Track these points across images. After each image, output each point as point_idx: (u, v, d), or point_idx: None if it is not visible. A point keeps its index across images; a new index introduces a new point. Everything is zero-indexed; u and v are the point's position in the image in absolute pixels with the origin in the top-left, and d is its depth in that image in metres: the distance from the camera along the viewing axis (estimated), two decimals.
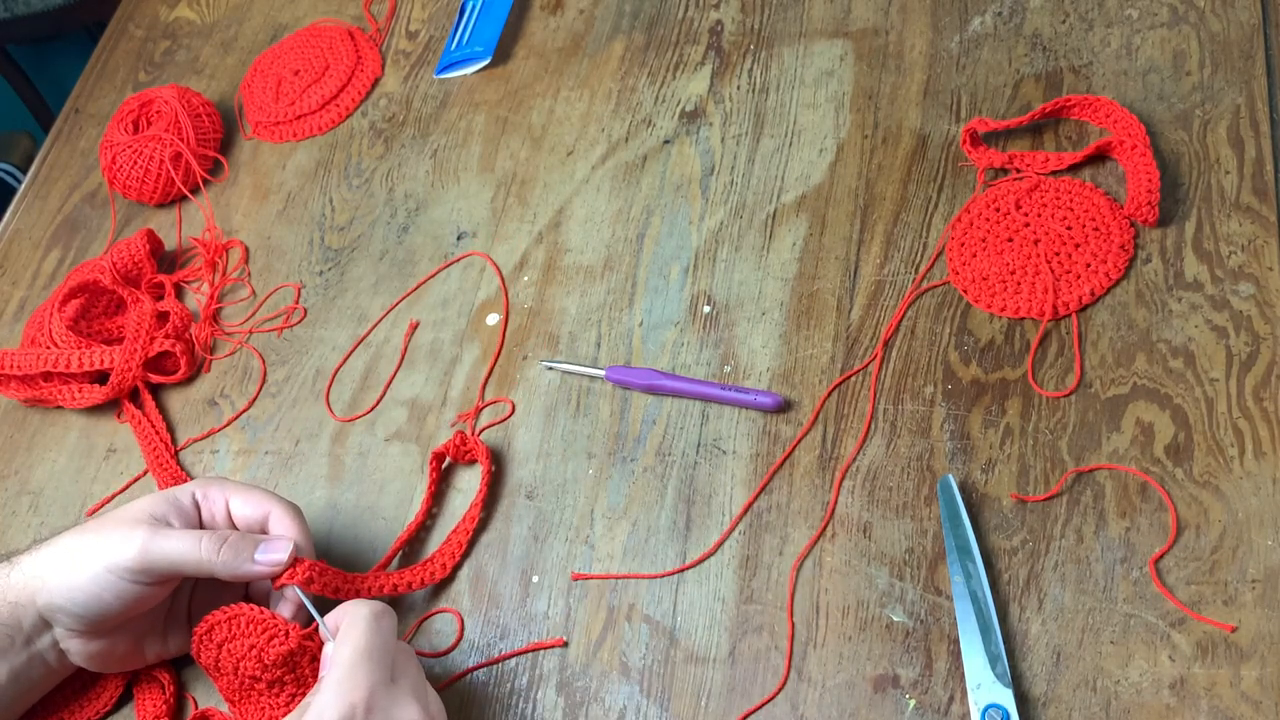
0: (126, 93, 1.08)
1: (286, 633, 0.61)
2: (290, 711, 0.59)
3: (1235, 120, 0.71)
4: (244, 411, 0.82)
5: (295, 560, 0.63)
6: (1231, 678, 0.55)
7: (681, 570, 0.66)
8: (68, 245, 0.98)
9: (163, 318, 0.86)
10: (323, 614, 0.61)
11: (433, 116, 0.94)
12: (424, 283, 0.84)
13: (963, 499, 0.62)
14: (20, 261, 0.98)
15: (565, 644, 0.66)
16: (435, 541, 0.72)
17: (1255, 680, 0.55)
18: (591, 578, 0.68)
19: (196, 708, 0.69)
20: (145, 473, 0.81)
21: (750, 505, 0.67)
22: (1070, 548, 0.60)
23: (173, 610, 0.69)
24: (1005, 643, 0.58)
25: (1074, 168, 0.73)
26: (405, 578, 0.68)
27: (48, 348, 0.84)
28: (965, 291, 0.71)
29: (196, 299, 0.90)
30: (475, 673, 0.67)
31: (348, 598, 0.64)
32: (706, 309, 0.76)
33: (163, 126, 0.94)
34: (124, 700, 0.70)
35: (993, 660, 0.57)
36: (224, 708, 0.67)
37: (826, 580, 0.63)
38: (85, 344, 0.84)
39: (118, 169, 0.94)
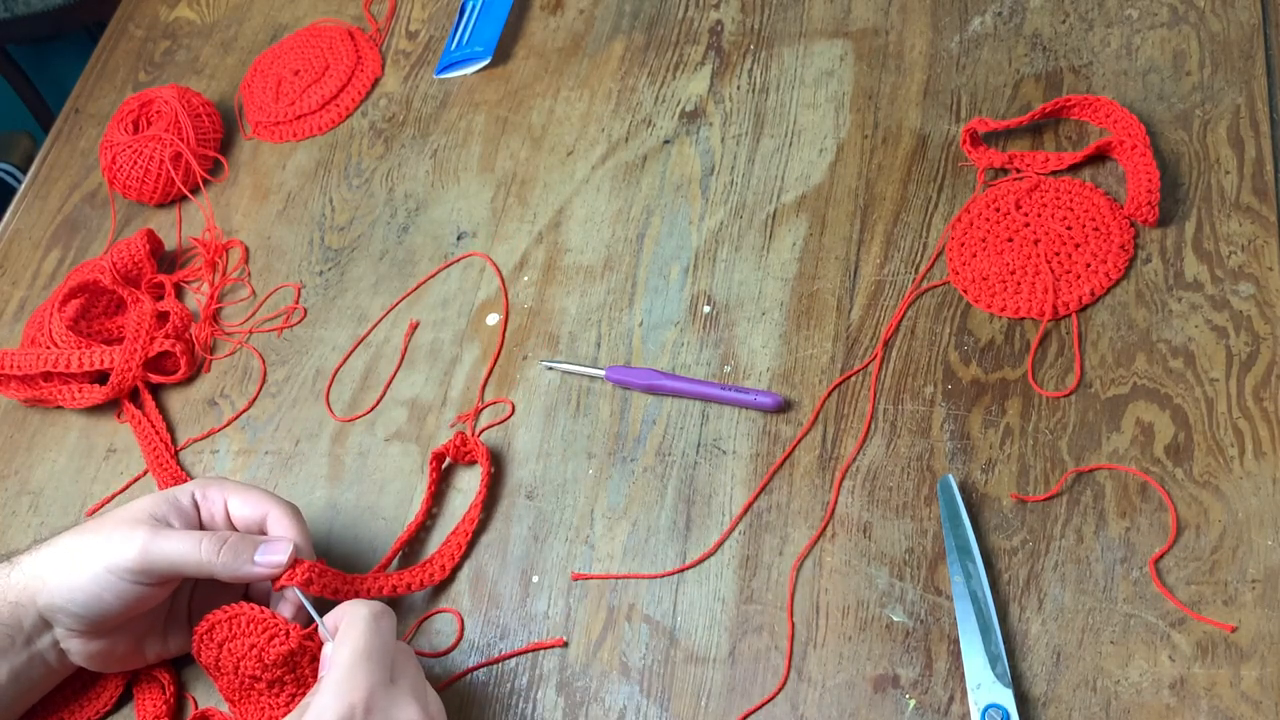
0: (126, 93, 1.08)
1: (287, 633, 0.61)
2: (290, 711, 0.59)
3: (1235, 120, 0.71)
4: (244, 411, 0.82)
5: (295, 561, 0.63)
6: (1231, 678, 0.55)
7: (681, 570, 0.66)
8: (68, 245, 0.98)
9: (163, 318, 0.86)
10: (323, 614, 0.61)
11: (433, 116, 0.94)
12: (424, 283, 0.84)
13: (963, 499, 0.62)
14: (20, 261, 0.98)
15: (565, 644, 0.66)
16: (435, 542, 0.72)
17: (1255, 680, 0.55)
18: (591, 578, 0.68)
19: (196, 708, 0.69)
20: (145, 473, 0.81)
21: (750, 505, 0.67)
22: (1070, 548, 0.60)
23: (173, 610, 0.69)
24: (1005, 643, 0.58)
25: (1074, 168, 0.73)
26: (405, 579, 0.68)
27: (48, 348, 0.84)
28: (965, 291, 0.71)
29: (196, 299, 0.90)
30: (475, 673, 0.67)
31: (347, 599, 0.64)
32: (706, 309, 0.76)
33: (163, 126, 0.94)
34: (124, 700, 0.70)
35: (993, 660, 0.57)
36: (224, 708, 0.67)
37: (826, 580, 0.63)
38: (85, 344, 0.84)
39: (118, 169, 0.94)
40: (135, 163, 0.94)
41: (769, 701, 0.61)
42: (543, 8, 0.98)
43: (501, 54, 0.96)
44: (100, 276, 0.87)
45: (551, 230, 0.84)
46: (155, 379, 0.85)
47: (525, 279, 0.82)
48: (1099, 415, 0.64)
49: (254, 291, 0.89)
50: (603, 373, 0.74)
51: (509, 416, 0.76)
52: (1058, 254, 0.70)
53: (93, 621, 0.63)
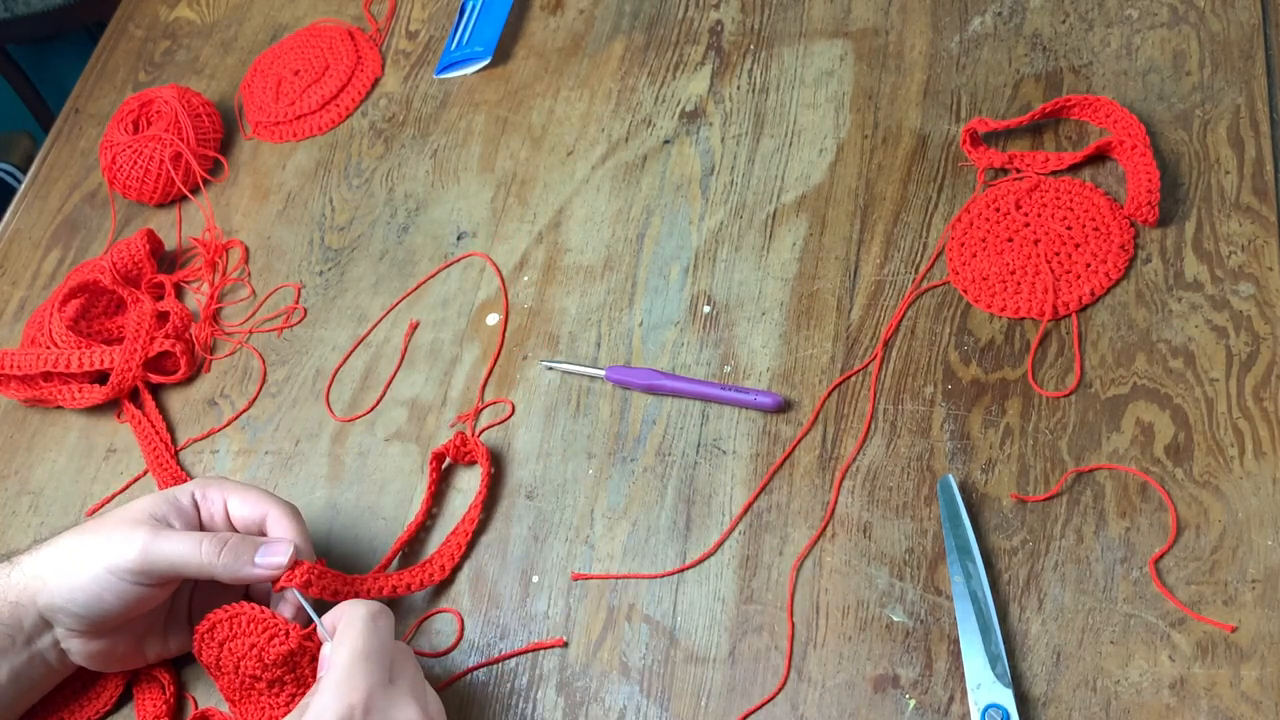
0: (126, 93, 1.08)
1: (287, 633, 0.61)
2: (290, 711, 0.59)
3: (1235, 120, 0.71)
4: (244, 411, 0.82)
5: (294, 563, 0.63)
6: (1231, 678, 0.55)
7: (681, 570, 0.66)
8: (68, 245, 0.98)
9: (163, 318, 0.86)
10: (322, 614, 0.61)
11: (433, 116, 0.94)
12: (424, 283, 0.84)
13: (963, 499, 0.62)
14: (20, 261, 0.98)
15: (565, 644, 0.66)
16: (435, 542, 0.72)
17: (1255, 680, 0.55)
18: (591, 578, 0.68)
19: (196, 707, 0.69)
20: (145, 473, 0.81)
21: (750, 505, 0.67)
22: (1070, 548, 0.60)
23: (173, 610, 0.69)
24: (1005, 643, 0.58)
25: (1074, 168, 0.73)
26: (404, 579, 0.68)
27: (48, 348, 0.84)
28: (965, 291, 0.71)
29: (196, 299, 0.90)
30: (475, 673, 0.67)
31: (347, 599, 0.64)
32: (706, 309, 0.76)
33: (163, 126, 0.94)
34: (124, 700, 0.70)
35: (993, 660, 0.57)
36: (224, 707, 0.67)
37: (826, 580, 0.63)
38: (85, 344, 0.84)
39: (118, 169, 0.94)
40: (135, 163, 0.94)
41: (769, 701, 0.61)
42: (543, 8, 0.98)
43: (501, 54, 0.96)
44: (100, 276, 0.87)
45: (551, 230, 0.84)
46: (155, 379, 0.85)
47: (525, 279, 0.82)
48: (1099, 415, 0.64)
49: (254, 291, 0.89)
50: (603, 373, 0.74)
51: (509, 417, 0.76)
52: (1058, 254, 0.70)
53: (93, 621, 0.63)
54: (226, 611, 0.62)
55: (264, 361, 0.84)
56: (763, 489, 0.67)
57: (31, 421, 0.87)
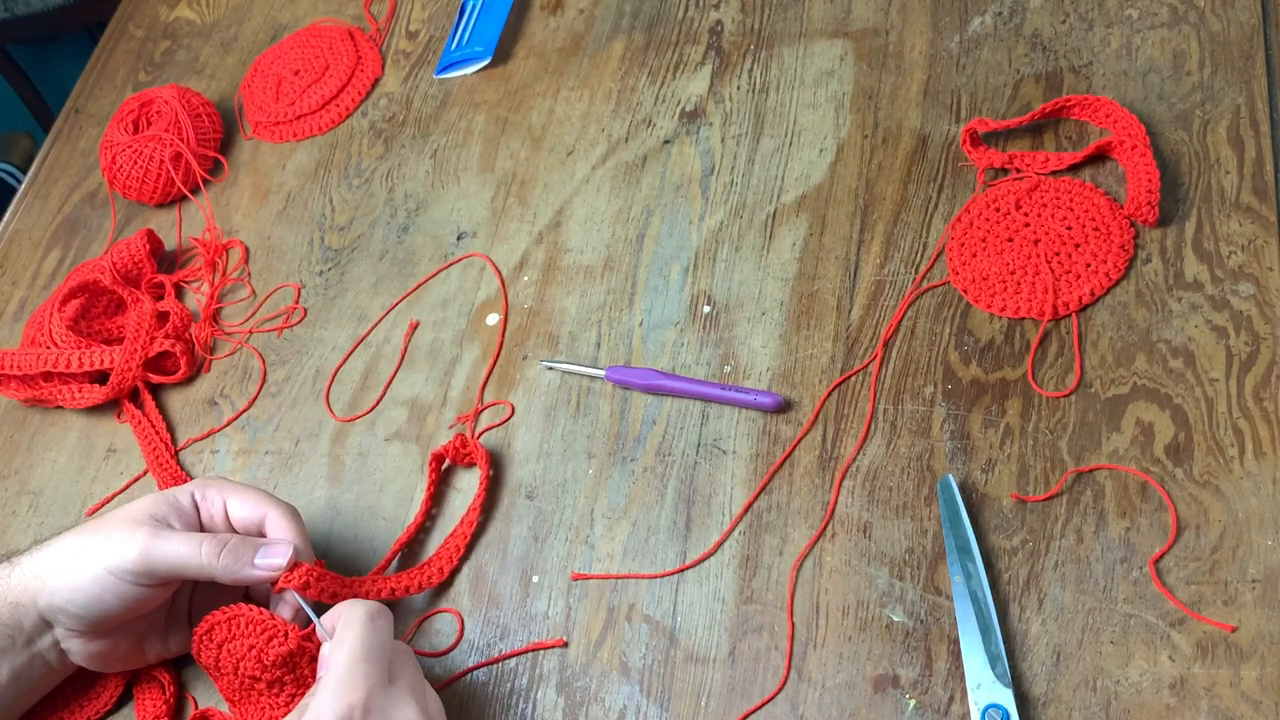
0: (126, 93, 1.08)
1: (285, 634, 0.61)
2: (289, 712, 0.59)
3: (1235, 120, 0.71)
4: (244, 411, 0.82)
5: (294, 564, 0.63)
6: (1231, 678, 0.55)
7: (681, 570, 0.66)
8: (68, 245, 0.98)
9: (163, 318, 0.86)
10: (321, 614, 0.61)
11: (433, 116, 0.94)
12: (424, 283, 0.84)
13: (963, 499, 0.62)
14: (20, 261, 0.98)
15: (565, 644, 0.66)
16: (435, 542, 0.72)
17: (1255, 680, 0.55)
18: (591, 578, 0.68)
19: (196, 708, 0.69)
20: (145, 473, 0.81)
21: (750, 505, 0.67)
22: (1070, 548, 0.60)
23: (173, 610, 0.69)
24: (1005, 643, 0.58)
25: (1074, 168, 0.73)
26: (402, 582, 0.68)
27: (48, 348, 0.84)
28: (965, 291, 0.71)
29: (196, 299, 0.90)
30: (475, 673, 0.67)
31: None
32: (706, 309, 0.76)
33: (163, 126, 0.94)
34: (124, 700, 0.70)
35: (993, 660, 0.57)
36: (224, 708, 0.67)
37: (826, 580, 0.63)
38: (85, 344, 0.84)
39: (118, 169, 0.94)
40: (135, 163, 0.94)
41: (769, 701, 0.61)
42: (543, 8, 0.98)
43: (501, 54, 0.96)
44: (100, 276, 0.87)
45: (551, 230, 0.84)
46: (155, 379, 0.85)
47: (525, 279, 0.82)
48: (1099, 415, 0.64)
49: (254, 291, 0.89)
50: (603, 373, 0.74)
51: (509, 418, 0.76)
52: (1058, 254, 0.70)
53: (93, 622, 0.63)
54: (225, 613, 0.62)
55: (264, 361, 0.84)
56: (763, 489, 0.67)
57: (31, 421, 0.87)
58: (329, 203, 0.92)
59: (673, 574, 0.66)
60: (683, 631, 0.64)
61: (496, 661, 0.67)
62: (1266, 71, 0.72)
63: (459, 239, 0.86)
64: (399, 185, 0.91)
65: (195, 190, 0.96)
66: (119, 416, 0.85)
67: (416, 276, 0.85)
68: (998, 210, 0.72)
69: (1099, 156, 0.73)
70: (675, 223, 0.80)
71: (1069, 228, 0.70)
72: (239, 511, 0.66)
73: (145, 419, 0.82)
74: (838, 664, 0.61)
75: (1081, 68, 0.77)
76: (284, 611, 0.64)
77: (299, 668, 0.62)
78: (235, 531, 0.66)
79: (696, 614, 0.65)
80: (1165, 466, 0.61)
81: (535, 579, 0.69)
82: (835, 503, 0.66)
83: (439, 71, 0.97)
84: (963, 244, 0.72)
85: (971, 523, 0.61)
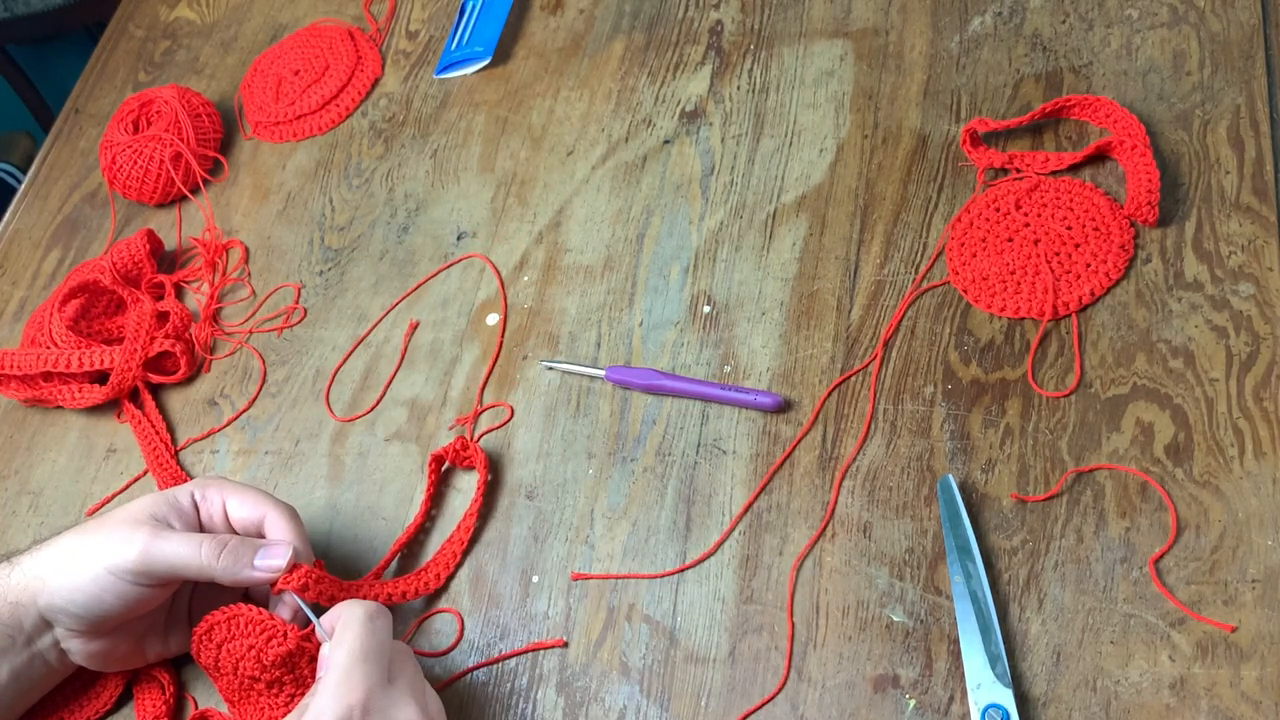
0: (126, 93, 1.08)
1: (285, 634, 0.61)
2: (289, 712, 0.59)
3: (1235, 120, 0.71)
4: (244, 411, 0.82)
5: (293, 566, 0.63)
6: (1231, 678, 0.55)
7: (681, 570, 0.66)
8: (68, 245, 0.98)
9: (163, 318, 0.86)
10: (321, 615, 0.61)
11: (433, 116, 0.94)
12: (424, 283, 0.84)
13: (963, 499, 0.62)
14: (20, 261, 0.98)
15: (565, 644, 0.66)
16: (435, 543, 0.72)
17: (1255, 680, 0.55)
18: (591, 578, 0.68)
19: (196, 708, 0.69)
20: (145, 473, 0.81)
21: (750, 505, 0.67)
22: (1070, 548, 0.60)
23: (173, 610, 0.69)
24: (1005, 643, 0.58)
25: (1074, 168, 0.73)
26: (400, 587, 0.68)
27: (48, 348, 0.84)
28: (965, 291, 0.71)
29: (196, 299, 0.90)
30: (475, 673, 0.67)
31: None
32: (706, 309, 0.76)
33: (163, 126, 0.94)
34: (124, 700, 0.70)
35: (993, 660, 0.57)
36: (223, 708, 0.67)
37: (826, 580, 0.63)
38: (85, 344, 0.84)
39: (118, 169, 0.94)
40: (135, 163, 0.94)
41: (769, 701, 0.61)
42: (543, 8, 0.98)
43: (501, 54, 0.96)
44: (100, 276, 0.87)
45: (551, 230, 0.84)
46: (155, 379, 0.85)
47: (525, 279, 0.82)
48: (1099, 415, 0.64)
49: (254, 291, 0.89)
50: (603, 373, 0.74)
51: (508, 420, 0.76)
52: (1058, 254, 0.70)
53: (93, 622, 0.63)
54: (224, 613, 0.62)
55: (264, 361, 0.84)
56: (763, 489, 0.67)
57: (31, 421, 0.87)
58: (329, 203, 0.92)
59: (673, 574, 0.66)
60: (683, 631, 0.64)
61: (496, 661, 0.67)
62: (1266, 71, 0.72)
63: (459, 239, 0.86)
64: (399, 185, 0.91)
65: (195, 190, 0.96)
66: (119, 416, 0.85)
67: (416, 276, 0.85)
68: (998, 210, 0.72)
69: (1099, 156, 0.73)
70: (675, 223, 0.80)
71: (1069, 228, 0.70)
72: (238, 511, 0.66)
73: (145, 419, 0.82)
74: (838, 664, 0.61)
75: (1081, 68, 0.77)
76: (283, 612, 0.64)
77: (298, 668, 0.62)
78: (234, 531, 0.66)
79: (696, 614, 0.65)
80: (1165, 466, 0.61)
81: (535, 579, 0.69)
82: (835, 503, 0.66)
83: (439, 71, 0.97)
84: (963, 244, 0.72)
85: (971, 523, 0.61)
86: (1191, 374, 0.64)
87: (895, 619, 0.61)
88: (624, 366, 0.74)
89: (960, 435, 0.65)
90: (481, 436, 0.75)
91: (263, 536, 0.65)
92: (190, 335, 0.87)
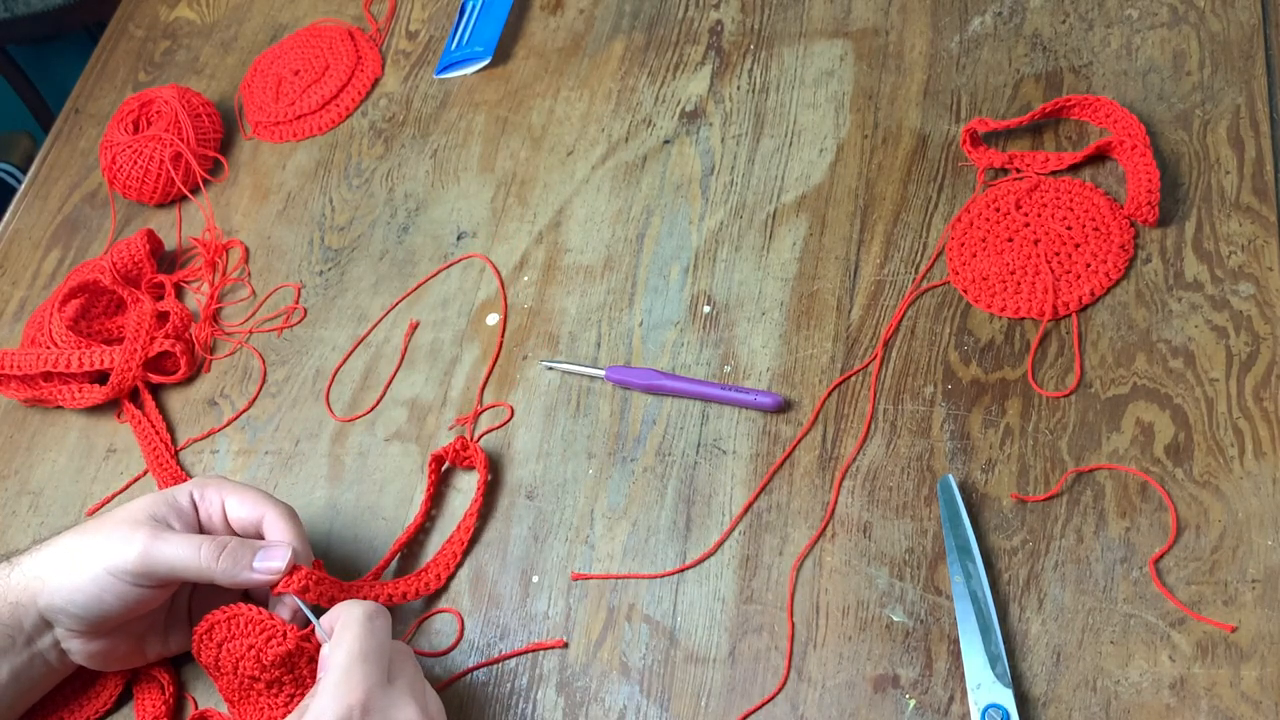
0: (126, 93, 1.08)
1: (284, 634, 0.61)
2: (289, 713, 0.59)
3: (1235, 120, 0.71)
4: (244, 411, 0.82)
5: (293, 567, 0.63)
6: (1231, 678, 0.55)
7: (681, 570, 0.66)
8: (68, 245, 0.98)
9: (163, 318, 0.86)
10: (321, 615, 0.61)
11: (433, 116, 0.94)
12: (424, 283, 0.84)
13: (963, 499, 0.62)
14: (20, 261, 0.98)
15: (565, 644, 0.66)
16: (435, 543, 0.72)
17: (1255, 680, 0.55)
18: (591, 578, 0.68)
19: (196, 708, 0.69)
20: (145, 473, 0.81)
21: (750, 505, 0.67)
22: (1070, 548, 0.60)
23: (173, 609, 0.69)
24: (1005, 643, 0.58)
25: (1074, 168, 0.73)
26: (400, 588, 0.68)
27: (48, 348, 0.84)
28: (965, 291, 0.71)
29: (196, 299, 0.90)
30: (475, 673, 0.67)
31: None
32: (706, 309, 0.76)
33: (163, 126, 0.94)
34: (124, 700, 0.70)
35: (993, 660, 0.57)
36: (223, 708, 0.67)
37: (826, 580, 0.63)
38: (85, 344, 0.84)
39: (118, 169, 0.94)
40: (135, 163, 0.94)
41: (769, 701, 0.61)
42: (543, 8, 0.98)
43: (501, 54, 0.96)
44: (100, 276, 0.87)
45: (551, 230, 0.84)
46: (155, 379, 0.85)
47: (525, 279, 0.82)
48: (1099, 415, 0.64)
49: (254, 291, 0.89)
50: (603, 373, 0.74)
51: (509, 420, 0.76)
52: (1058, 254, 0.70)
53: (93, 622, 0.63)
54: (224, 613, 0.62)
55: (264, 361, 0.84)
56: (763, 489, 0.67)
57: (31, 421, 0.87)
58: (329, 203, 0.92)
59: (673, 574, 0.66)
60: (683, 631, 0.64)
61: (496, 661, 0.67)
62: (1266, 71, 0.72)
63: (459, 239, 0.86)
64: (399, 185, 0.91)
65: (195, 190, 0.96)
66: (119, 416, 0.85)
67: (416, 276, 0.85)
68: (998, 210, 0.72)
69: (1099, 156, 0.73)
70: (675, 223, 0.80)
71: (1069, 228, 0.70)
72: (237, 511, 0.66)
73: (145, 419, 0.82)
74: (838, 664, 0.61)
75: (1081, 68, 0.77)
76: (283, 611, 0.64)
77: (298, 668, 0.62)
78: (233, 531, 0.66)
79: (696, 614, 0.65)
80: (1165, 466, 0.61)
81: (535, 579, 0.69)
82: (835, 503, 0.66)
83: (439, 71, 0.97)
84: (963, 244, 0.72)
85: (971, 523, 0.61)
86: (1191, 374, 0.64)
87: (895, 619, 0.61)
88: (624, 366, 0.74)
89: (960, 435, 0.65)
90: (481, 436, 0.75)
91: (261, 536, 0.65)
92: (190, 335, 0.87)
